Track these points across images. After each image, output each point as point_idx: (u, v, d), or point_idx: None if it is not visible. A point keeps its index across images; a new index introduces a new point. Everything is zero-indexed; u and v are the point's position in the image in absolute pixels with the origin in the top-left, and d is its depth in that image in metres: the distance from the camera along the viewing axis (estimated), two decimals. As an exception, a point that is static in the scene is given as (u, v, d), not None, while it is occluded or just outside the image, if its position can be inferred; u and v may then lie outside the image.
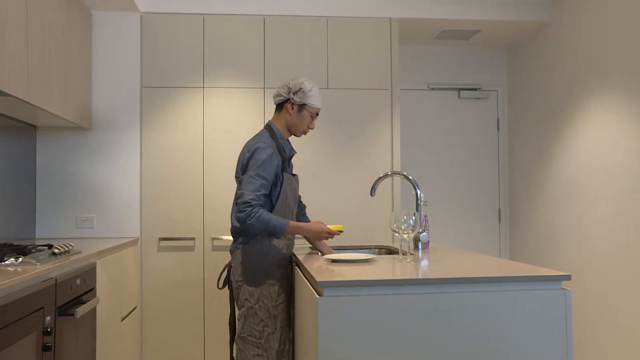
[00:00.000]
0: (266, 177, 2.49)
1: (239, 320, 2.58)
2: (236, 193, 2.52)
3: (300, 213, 2.92)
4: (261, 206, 2.45)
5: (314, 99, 2.64)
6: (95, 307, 2.75)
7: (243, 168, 2.55)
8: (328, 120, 4.01)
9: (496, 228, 5.01)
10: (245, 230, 2.54)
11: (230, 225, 3.75)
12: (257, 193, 2.44)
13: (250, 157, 2.51)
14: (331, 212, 3.89)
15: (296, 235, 2.81)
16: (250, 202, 2.41)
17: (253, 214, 2.41)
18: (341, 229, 2.69)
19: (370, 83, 4.05)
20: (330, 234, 2.58)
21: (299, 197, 2.93)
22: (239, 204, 2.42)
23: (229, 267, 2.69)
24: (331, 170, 4.00)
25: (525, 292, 1.85)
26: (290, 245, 2.68)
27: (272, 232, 2.47)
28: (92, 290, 2.74)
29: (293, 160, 3.90)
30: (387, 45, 4.08)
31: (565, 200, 4.13)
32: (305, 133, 2.71)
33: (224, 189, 3.83)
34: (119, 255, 3.30)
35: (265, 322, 2.53)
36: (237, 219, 2.44)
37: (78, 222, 3.74)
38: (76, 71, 3.42)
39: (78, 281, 2.51)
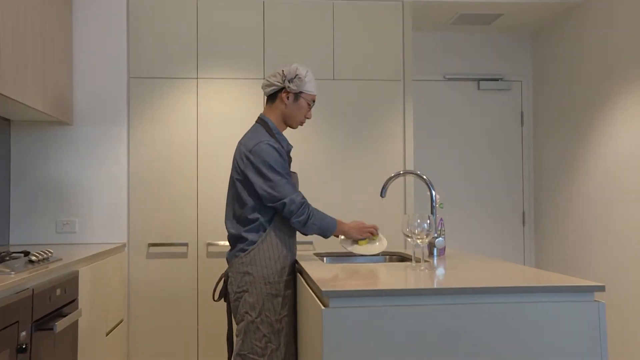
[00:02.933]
0: (288, 173, 2.59)
1: (237, 336, 2.57)
2: (237, 195, 2.56)
3: None
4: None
5: (310, 85, 2.65)
6: (76, 321, 2.73)
7: (251, 173, 2.54)
8: (333, 115, 4.00)
9: (520, 233, 5.00)
10: (302, 232, 2.61)
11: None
12: (298, 190, 2.57)
13: (259, 160, 2.52)
14: (336, 216, 3.86)
15: (297, 240, 2.79)
16: (304, 202, 2.54)
17: (312, 213, 2.55)
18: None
19: (380, 73, 4.04)
20: (375, 229, 2.75)
21: None
22: (294, 209, 2.52)
23: (226, 276, 2.68)
24: (336, 170, 4.00)
25: (553, 305, 1.83)
26: (294, 253, 2.69)
27: (325, 231, 2.61)
28: (73, 301, 2.72)
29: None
30: (399, 32, 4.07)
31: (598, 202, 4.10)
32: (302, 124, 2.73)
33: (220, 190, 3.81)
34: (103, 262, 3.29)
35: (268, 338, 2.52)
36: (298, 223, 2.54)
37: (58, 227, 3.73)
38: (55, 60, 3.42)
39: (58, 292, 2.50)
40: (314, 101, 2.70)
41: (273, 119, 2.68)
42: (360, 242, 2.73)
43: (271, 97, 2.70)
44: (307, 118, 2.71)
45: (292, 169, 2.82)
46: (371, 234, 2.74)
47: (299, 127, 2.77)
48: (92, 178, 3.78)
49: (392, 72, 4.05)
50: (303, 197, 2.55)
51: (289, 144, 2.72)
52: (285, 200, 2.50)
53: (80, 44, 3.79)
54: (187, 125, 3.89)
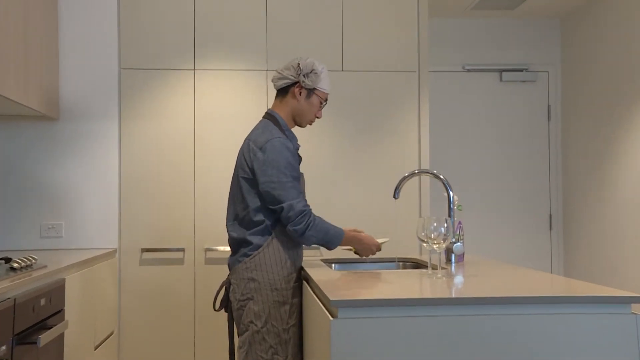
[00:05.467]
0: (298, 177, 2.58)
1: (240, 348, 2.57)
2: (239, 197, 2.58)
3: None
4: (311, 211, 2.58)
5: (325, 83, 2.69)
6: (62, 334, 2.73)
7: (259, 171, 2.55)
8: (342, 109, 3.99)
9: (547, 238, 4.99)
10: (300, 242, 2.61)
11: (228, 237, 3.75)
12: (301, 196, 2.56)
13: (269, 158, 2.54)
14: (346, 219, 3.86)
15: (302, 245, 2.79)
16: (305, 211, 2.52)
17: (311, 223, 2.53)
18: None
19: (393, 64, 4.03)
20: (379, 249, 2.76)
21: None
22: (292, 216, 2.50)
23: (227, 284, 2.70)
24: (345, 169, 3.99)
25: (584, 317, 1.82)
26: (301, 257, 2.71)
27: (328, 243, 2.61)
28: (59, 312, 2.72)
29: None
30: (414, 18, 4.05)
31: (633, 204, 4.07)
32: (311, 123, 2.76)
33: (219, 191, 3.81)
34: (92, 270, 3.29)
35: (275, 349, 2.53)
36: (295, 232, 2.52)
37: (43, 231, 3.73)
38: (39, 49, 3.42)
39: (42, 302, 2.49)
40: (326, 100, 2.73)
41: (283, 115, 2.70)
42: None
43: (282, 92, 2.72)
44: (318, 117, 2.75)
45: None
46: (373, 254, 2.79)
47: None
48: (80, 177, 3.77)
49: (406, 63, 4.03)
50: (305, 205, 2.54)
51: (297, 143, 2.74)
52: (284, 205, 2.51)
53: (66, 32, 3.79)
54: (183, 121, 3.89)
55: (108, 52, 3.82)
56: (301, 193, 2.58)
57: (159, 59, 3.89)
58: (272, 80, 2.74)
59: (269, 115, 2.71)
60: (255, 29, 3.95)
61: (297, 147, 2.72)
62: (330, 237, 2.58)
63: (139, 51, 3.88)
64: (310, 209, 2.56)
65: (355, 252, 2.78)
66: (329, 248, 2.64)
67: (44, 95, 3.47)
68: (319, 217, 2.58)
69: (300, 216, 2.51)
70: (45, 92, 3.49)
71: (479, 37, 4.97)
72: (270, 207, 2.55)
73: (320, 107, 2.72)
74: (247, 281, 2.57)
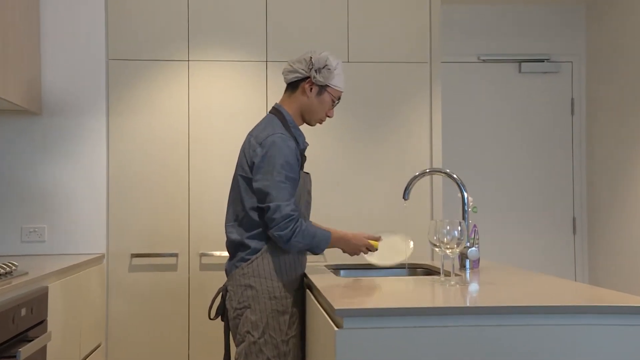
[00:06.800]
0: (295, 178, 2.58)
1: (237, 359, 2.57)
2: (239, 197, 2.59)
3: None
4: (300, 216, 2.55)
5: (339, 80, 2.70)
6: (45, 346, 2.72)
7: (255, 167, 2.57)
8: (348, 103, 3.96)
9: (570, 243, 4.99)
10: (286, 248, 2.58)
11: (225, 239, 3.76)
12: (293, 200, 2.54)
13: (267, 154, 2.55)
14: (351, 222, 3.86)
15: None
16: (292, 215, 2.50)
17: (298, 230, 2.50)
18: (376, 247, 2.79)
19: (403, 55, 4.04)
20: (371, 249, 2.75)
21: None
22: (277, 219, 2.49)
23: (224, 291, 2.70)
24: (350, 168, 4.00)
25: (610, 328, 1.82)
26: (303, 263, 2.72)
27: (315, 248, 2.59)
28: (42, 323, 2.72)
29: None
30: (426, 5, 4.07)
31: (662, 206, 4.06)
32: (321, 122, 2.77)
33: (215, 192, 3.82)
34: (78, 277, 3.29)
35: None
36: (279, 238, 2.50)
37: (24, 235, 3.74)
38: (19, 38, 3.42)
39: (23, 312, 2.49)
40: (339, 98, 2.73)
41: (291, 111, 2.71)
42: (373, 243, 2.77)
43: (291, 86, 2.73)
44: (329, 117, 2.75)
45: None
46: (368, 249, 2.76)
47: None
48: (65, 177, 3.78)
49: (417, 53, 4.04)
50: (294, 210, 2.52)
51: (305, 141, 2.76)
52: (271, 205, 2.51)
53: (49, 19, 3.79)
54: (176, 116, 3.89)
55: (94, 42, 3.82)
56: (293, 197, 2.56)
57: (150, 49, 3.89)
58: (283, 73, 2.74)
59: (275, 111, 2.72)
60: (254, 16, 3.95)
61: (304, 147, 2.74)
62: (317, 242, 2.58)
63: (128, 40, 3.88)
64: (298, 215, 2.54)
65: (344, 252, 2.79)
66: (315, 253, 2.65)
67: (24, 88, 3.47)
68: (309, 223, 2.58)
69: (286, 220, 2.49)
70: (26, 84, 3.49)
71: (496, 24, 4.96)
72: (259, 205, 2.56)
73: (333, 105, 2.72)
74: (244, 288, 2.57)
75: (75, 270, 3.25)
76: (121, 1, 3.88)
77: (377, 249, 2.78)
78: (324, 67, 2.64)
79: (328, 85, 2.67)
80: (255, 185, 2.56)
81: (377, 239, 2.79)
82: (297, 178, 2.60)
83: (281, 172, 2.53)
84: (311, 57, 2.66)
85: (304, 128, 2.81)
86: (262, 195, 2.55)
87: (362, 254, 2.77)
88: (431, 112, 4.03)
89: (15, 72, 3.32)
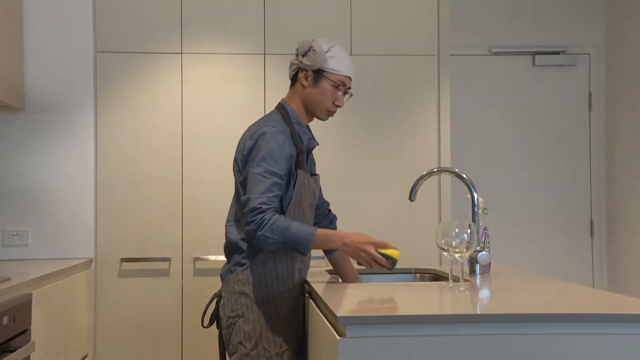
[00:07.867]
0: (278, 173, 2.51)
1: (230, 371, 2.58)
2: (239, 195, 2.58)
3: (329, 226, 2.99)
4: (275, 211, 2.46)
5: (334, 62, 2.64)
6: (28, 357, 2.72)
7: (244, 160, 2.58)
8: (350, 99, 3.97)
9: (588, 246, 4.99)
10: (259, 247, 2.50)
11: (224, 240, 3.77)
12: (269, 194, 2.47)
13: (254, 146, 2.54)
14: (354, 225, 3.85)
15: (312, 255, 2.80)
16: (260, 208, 2.43)
17: (265, 222, 2.41)
18: (396, 256, 2.46)
19: (409, 47, 4.05)
20: (377, 261, 2.43)
21: (327, 203, 3.00)
22: (246, 212, 2.46)
23: (218, 297, 2.69)
24: (354, 168, 4.01)
25: (631, 338, 1.81)
26: (304, 269, 2.70)
27: (295, 245, 2.46)
28: (25, 332, 2.72)
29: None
30: (434, -6, 4.07)
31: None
32: (331, 113, 2.72)
33: (211, 192, 3.83)
34: (64, 283, 3.29)
35: None
36: (247, 233, 2.47)
37: (6, 238, 3.74)
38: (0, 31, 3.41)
39: (5, 320, 2.49)
40: (344, 84, 2.67)
41: (294, 106, 2.70)
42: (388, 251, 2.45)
43: (293, 81, 2.74)
44: (338, 106, 2.69)
45: (314, 171, 2.83)
46: (367, 261, 2.44)
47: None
48: (50, 177, 3.78)
49: (424, 46, 4.05)
50: (264, 203, 2.42)
51: (313, 139, 2.74)
52: (242, 198, 2.51)
53: (32, 11, 3.80)
54: (169, 112, 3.90)
55: (81, 33, 3.83)
56: (272, 192, 2.45)
57: (141, 40, 3.90)
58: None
59: (280, 106, 2.72)
60: (251, 6, 3.96)
61: (310, 146, 2.72)
62: (293, 238, 2.41)
63: (117, 31, 3.88)
64: (271, 208, 2.43)
65: (332, 263, 2.73)
66: (299, 251, 2.53)
67: (5, 83, 3.47)
68: (283, 217, 2.44)
69: (252, 213, 2.42)
70: (7, 78, 3.50)
71: (508, 14, 4.96)
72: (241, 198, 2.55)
73: (337, 92, 2.65)
74: (237, 296, 2.56)
75: (60, 275, 3.25)
76: (110, -10, 3.90)
77: (396, 260, 2.45)
78: (309, 50, 2.62)
79: (323, 70, 2.63)
80: (240, 179, 2.58)
81: (389, 247, 2.48)
82: (282, 174, 2.52)
83: (261, 164, 2.50)
84: (298, 44, 2.67)
85: (314, 127, 2.79)
86: (240, 189, 2.57)
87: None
88: (439, 108, 4.04)
89: (-3, 65, 3.33)
